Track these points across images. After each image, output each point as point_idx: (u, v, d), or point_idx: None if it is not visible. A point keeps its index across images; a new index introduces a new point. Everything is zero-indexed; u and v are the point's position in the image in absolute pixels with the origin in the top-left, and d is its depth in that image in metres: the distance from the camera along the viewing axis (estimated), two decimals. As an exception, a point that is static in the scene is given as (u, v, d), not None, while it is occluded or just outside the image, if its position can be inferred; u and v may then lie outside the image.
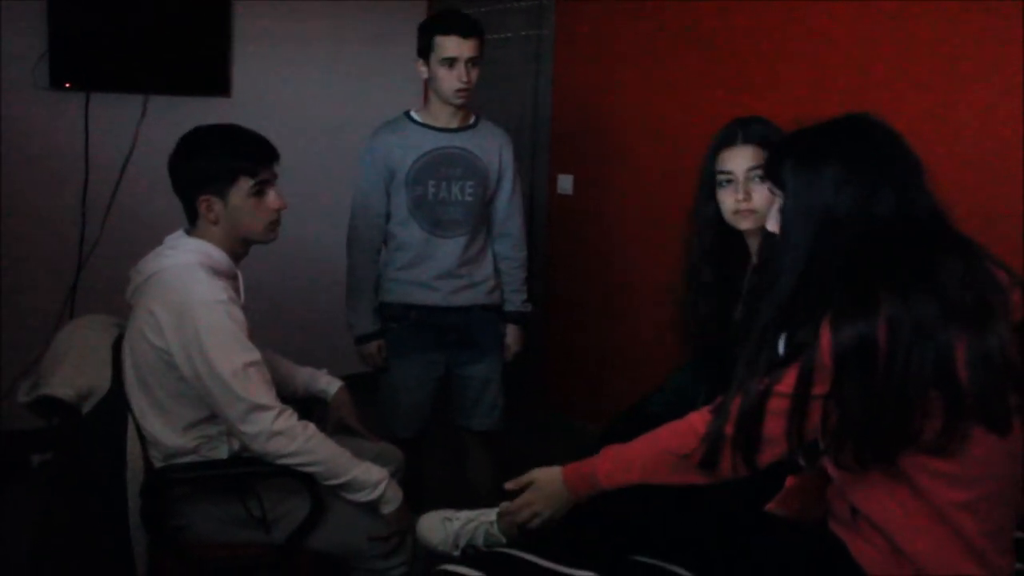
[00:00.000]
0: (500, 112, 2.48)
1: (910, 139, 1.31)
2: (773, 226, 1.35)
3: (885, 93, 2.55)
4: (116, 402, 1.69)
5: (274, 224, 1.81)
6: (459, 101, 2.32)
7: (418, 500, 2.00)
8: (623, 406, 2.25)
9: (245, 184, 1.75)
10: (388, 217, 2.41)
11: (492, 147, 2.43)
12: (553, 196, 3.68)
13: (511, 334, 2.54)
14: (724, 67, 3.02)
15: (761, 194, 1.68)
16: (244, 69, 3.60)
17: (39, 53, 3.07)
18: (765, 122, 1.79)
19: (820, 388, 1.20)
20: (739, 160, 1.76)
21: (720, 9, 2.99)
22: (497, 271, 2.51)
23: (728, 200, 1.76)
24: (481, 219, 2.45)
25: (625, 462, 1.45)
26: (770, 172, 1.36)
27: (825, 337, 1.19)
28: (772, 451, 1.27)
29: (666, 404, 1.99)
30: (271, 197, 1.79)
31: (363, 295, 2.42)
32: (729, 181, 1.77)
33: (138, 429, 1.69)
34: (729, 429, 1.28)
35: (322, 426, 1.98)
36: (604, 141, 3.48)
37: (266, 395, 1.66)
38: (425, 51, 2.30)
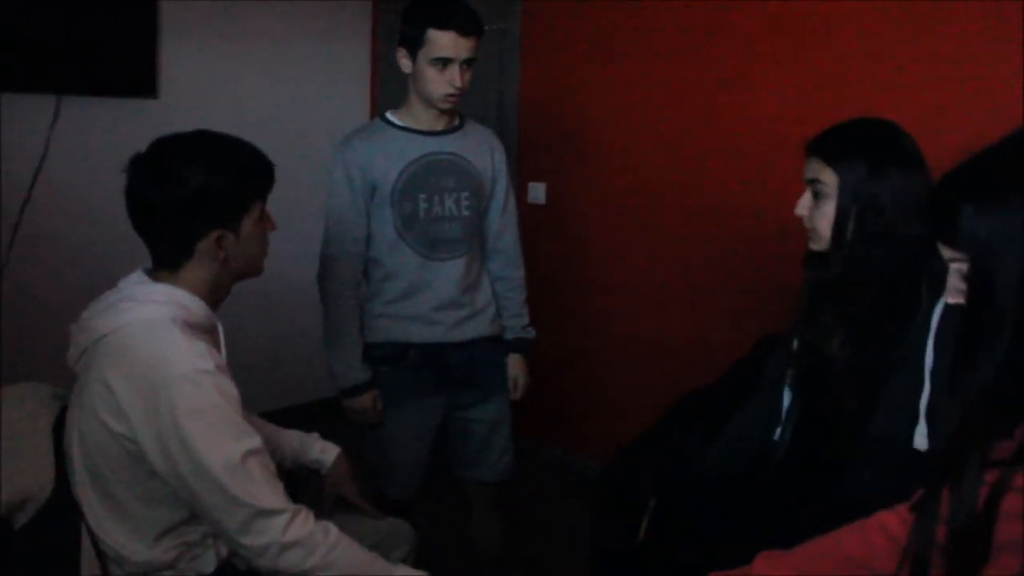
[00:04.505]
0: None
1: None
2: (956, 298, 1.05)
3: (884, 94, 2.45)
4: (62, 510, 1.27)
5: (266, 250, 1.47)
6: (449, 106, 2.00)
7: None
8: (614, 433, 2.03)
9: (257, 209, 1.39)
10: (368, 241, 2.04)
11: (483, 151, 2.11)
12: (524, 206, 3.38)
13: (515, 365, 2.20)
14: (707, 64, 2.85)
15: (821, 213, 1.48)
16: (173, 67, 3.19)
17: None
18: (846, 130, 1.53)
19: None
20: (805, 170, 1.53)
21: (702, 4, 2.83)
22: (495, 295, 2.19)
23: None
24: (478, 236, 2.13)
25: (792, 570, 1.13)
26: (940, 230, 1.05)
27: None
28: (1003, 565, 0.97)
29: (726, 460, 1.71)
30: (267, 219, 1.45)
31: (348, 337, 2.04)
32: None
33: (95, 544, 1.27)
34: (941, 534, 0.98)
35: (313, 498, 1.63)
36: (578, 145, 3.25)
37: (272, 494, 1.26)
38: (412, 44, 1.94)
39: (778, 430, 1.62)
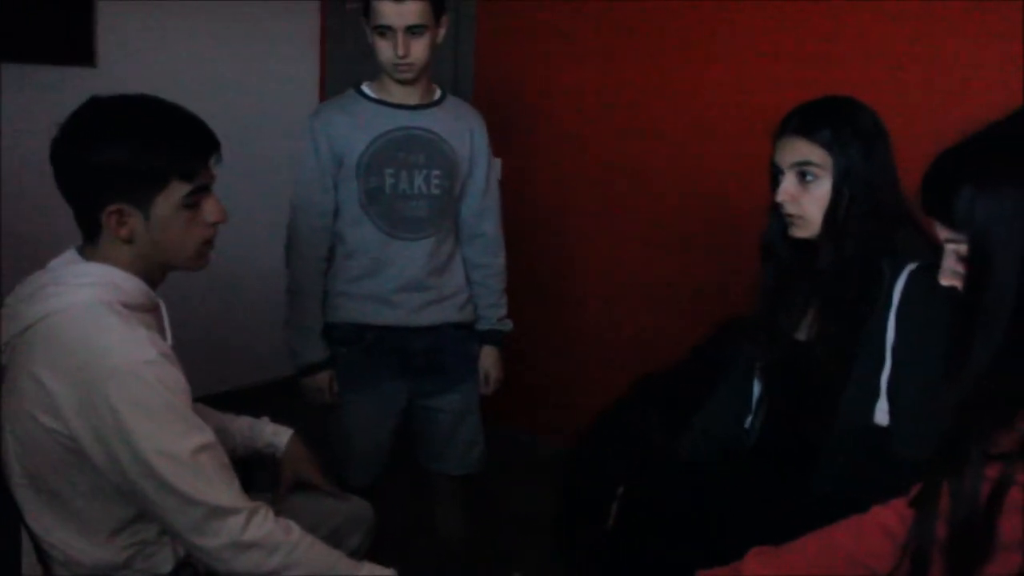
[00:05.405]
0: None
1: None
2: (951, 280, 1.02)
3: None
4: (1, 511, 1.17)
5: (207, 245, 1.32)
6: (401, 76, 1.90)
7: (376, 559, 1.57)
8: (581, 416, 2.01)
9: (178, 191, 1.24)
10: (335, 216, 1.97)
11: (461, 129, 2.02)
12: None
13: (488, 358, 2.12)
14: (673, 37, 2.78)
15: (812, 198, 1.43)
16: (112, 34, 3.01)
17: None
18: (827, 108, 1.48)
19: None
20: (782, 153, 1.48)
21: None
22: (469, 282, 2.10)
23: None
24: (449, 217, 2.04)
25: (786, 568, 1.09)
26: (936, 210, 1.01)
27: None
28: (1005, 562, 0.95)
29: (696, 450, 1.69)
30: (208, 207, 1.29)
31: (309, 314, 1.96)
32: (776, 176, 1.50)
33: (37, 547, 1.18)
34: (941, 531, 0.95)
35: (269, 483, 1.58)
36: (537, 121, 3.16)
37: (227, 491, 1.17)
38: (365, 13, 1.89)
39: (749, 419, 1.60)
